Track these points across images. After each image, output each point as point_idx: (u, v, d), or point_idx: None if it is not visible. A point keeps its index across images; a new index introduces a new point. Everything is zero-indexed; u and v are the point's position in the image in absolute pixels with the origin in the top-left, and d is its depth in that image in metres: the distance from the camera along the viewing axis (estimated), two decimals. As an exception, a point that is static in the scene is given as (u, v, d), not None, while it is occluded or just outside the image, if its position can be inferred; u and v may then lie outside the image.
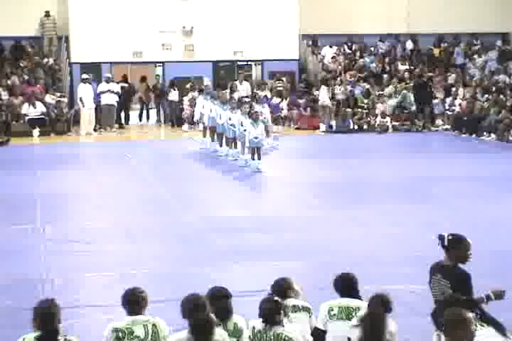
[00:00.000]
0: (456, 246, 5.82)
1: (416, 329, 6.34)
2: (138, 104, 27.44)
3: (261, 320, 5.56)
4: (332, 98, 24.76)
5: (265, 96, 24.51)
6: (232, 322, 5.61)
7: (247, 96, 23.19)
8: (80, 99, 23.68)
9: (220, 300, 5.63)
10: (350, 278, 6.11)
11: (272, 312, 5.53)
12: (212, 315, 5.29)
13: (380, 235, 10.93)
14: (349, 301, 5.98)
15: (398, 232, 11.06)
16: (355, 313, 5.83)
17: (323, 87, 25.21)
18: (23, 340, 5.11)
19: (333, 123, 24.25)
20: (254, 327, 5.59)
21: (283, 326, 5.53)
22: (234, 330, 5.57)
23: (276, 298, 5.72)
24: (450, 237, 5.84)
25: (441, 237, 5.88)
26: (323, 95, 24.71)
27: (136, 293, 5.59)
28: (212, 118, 18.91)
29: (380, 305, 5.55)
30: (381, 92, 25.21)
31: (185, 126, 24.48)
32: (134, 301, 5.53)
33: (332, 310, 5.96)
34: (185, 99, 24.90)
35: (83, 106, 23.61)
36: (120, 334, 5.39)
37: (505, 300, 7.02)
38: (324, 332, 5.92)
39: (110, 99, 24.09)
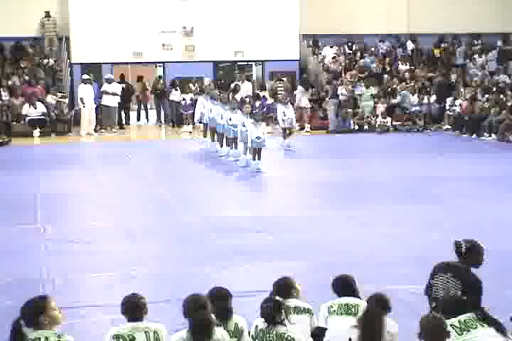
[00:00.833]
0: (474, 253, 5.87)
1: (416, 329, 6.34)
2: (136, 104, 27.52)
3: (263, 319, 5.57)
4: (336, 97, 24.75)
5: (263, 96, 24.61)
6: (232, 322, 5.61)
7: (247, 97, 23.23)
8: (81, 99, 23.67)
9: (220, 300, 5.63)
10: (348, 280, 6.15)
11: (271, 311, 5.54)
12: (213, 315, 5.29)
13: (380, 235, 10.93)
14: (348, 299, 6.03)
15: (398, 232, 11.06)
16: (355, 309, 5.87)
17: (299, 87, 25.22)
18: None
19: (307, 126, 24.29)
20: (256, 326, 5.61)
21: (285, 326, 5.54)
22: (234, 330, 5.58)
23: (276, 298, 5.73)
24: (468, 245, 5.86)
25: (458, 244, 5.88)
26: (299, 96, 24.72)
27: (136, 299, 5.56)
28: (213, 119, 18.92)
29: (379, 304, 5.56)
30: (360, 92, 25.09)
31: (188, 127, 24.36)
32: (134, 307, 5.50)
33: (332, 307, 6.03)
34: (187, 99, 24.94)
35: (84, 106, 23.62)
36: None
37: (505, 300, 7.03)
38: (325, 328, 5.95)
39: (109, 100, 24.09)
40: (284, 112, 19.98)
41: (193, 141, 21.72)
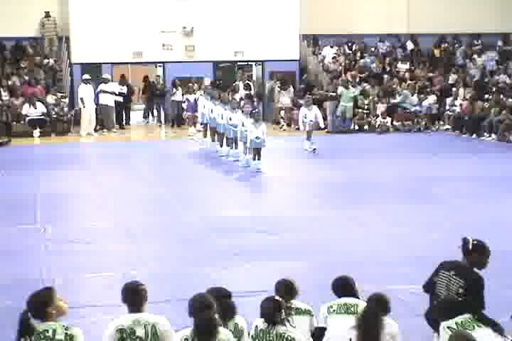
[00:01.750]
0: (480, 252, 5.83)
1: (416, 329, 6.36)
2: (140, 104, 27.53)
3: (263, 319, 5.57)
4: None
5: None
6: (233, 322, 5.61)
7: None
8: (81, 99, 23.66)
9: (220, 300, 5.62)
10: (348, 281, 6.16)
11: (271, 311, 5.54)
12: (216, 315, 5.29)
13: (380, 235, 10.94)
14: (347, 299, 6.05)
15: (398, 232, 11.07)
16: (354, 309, 5.88)
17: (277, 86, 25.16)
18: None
19: (284, 124, 24.42)
20: (256, 326, 5.61)
21: (285, 325, 5.54)
22: (235, 330, 5.57)
23: (276, 297, 5.73)
24: (475, 242, 5.84)
25: (465, 241, 5.86)
26: (280, 96, 24.63)
27: (135, 285, 5.58)
28: (213, 119, 18.92)
29: (378, 304, 5.56)
30: (333, 93, 24.93)
31: (192, 128, 24.18)
32: (134, 294, 5.50)
33: (331, 307, 6.05)
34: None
35: (84, 106, 23.61)
36: (124, 335, 5.38)
37: (505, 300, 7.04)
38: (325, 328, 5.95)
39: (106, 99, 24.07)
40: (305, 114, 19.63)
41: (193, 141, 21.72)
